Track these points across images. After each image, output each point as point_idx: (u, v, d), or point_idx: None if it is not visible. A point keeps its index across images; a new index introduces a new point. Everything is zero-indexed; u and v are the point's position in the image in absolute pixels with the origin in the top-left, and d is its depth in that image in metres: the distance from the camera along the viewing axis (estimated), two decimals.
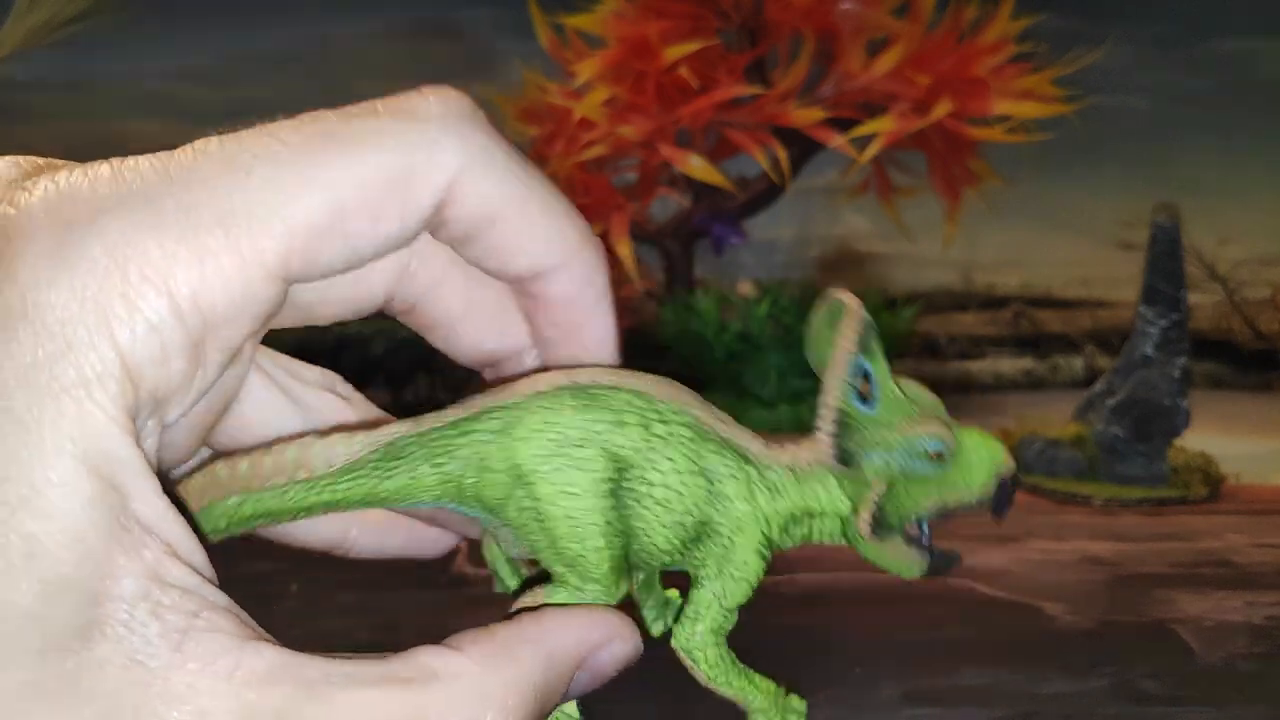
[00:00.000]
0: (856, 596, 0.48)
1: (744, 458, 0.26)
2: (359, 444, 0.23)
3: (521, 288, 0.21)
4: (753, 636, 0.44)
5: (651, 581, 0.30)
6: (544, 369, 0.24)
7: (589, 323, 0.22)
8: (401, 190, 0.18)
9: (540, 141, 1.04)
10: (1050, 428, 0.78)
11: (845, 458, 0.25)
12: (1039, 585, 0.50)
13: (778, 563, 0.55)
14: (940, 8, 0.97)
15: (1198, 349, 1.22)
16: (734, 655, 0.27)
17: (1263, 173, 1.27)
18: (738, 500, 0.26)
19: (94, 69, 1.17)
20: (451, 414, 0.23)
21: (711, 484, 0.26)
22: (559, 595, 0.25)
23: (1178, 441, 0.72)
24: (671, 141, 0.97)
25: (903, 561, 0.26)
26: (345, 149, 0.17)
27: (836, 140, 0.95)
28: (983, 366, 1.30)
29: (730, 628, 0.26)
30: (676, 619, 0.26)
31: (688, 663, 0.26)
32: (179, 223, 0.16)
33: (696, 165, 0.96)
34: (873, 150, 0.94)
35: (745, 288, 1.19)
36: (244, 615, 0.16)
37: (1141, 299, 0.72)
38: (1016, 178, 1.10)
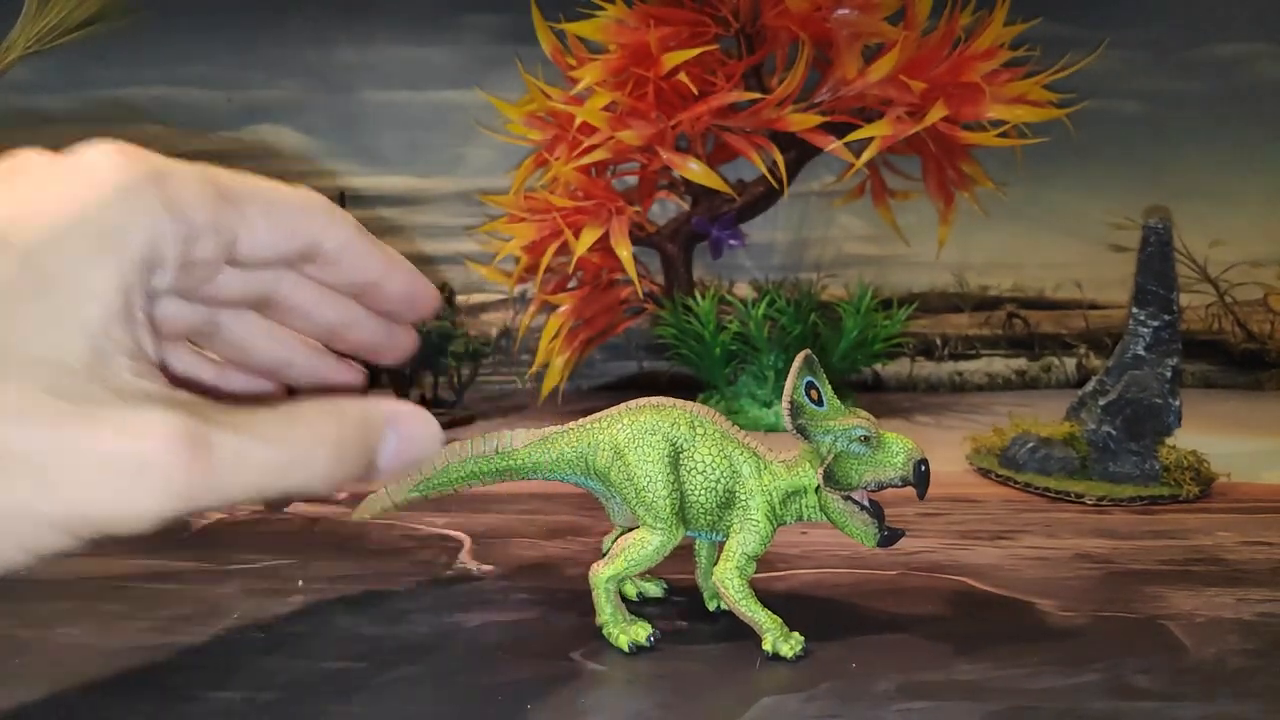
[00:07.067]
0: (853, 593, 0.49)
1: (754, 453, 0.41)
2: (532, 435, 0.41)
3: (361, 295, 0.35)
4: (753, 632, 0.45)
5: (708, 571, 0.43)
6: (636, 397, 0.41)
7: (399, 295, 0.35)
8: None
9: (543, 146, 1.04)
10: (1043, 427, 0.78)
11: (806, 435, 0.40)
12: (1032, 582, 0.51)
13: (776, 560, 0.57)
14: (935, 14, 0.98)
15: (1189, 349, 1.23)
16: (753, 590, 0.40)
17: (1254, 176, 1.27)
18: (750, 478, 0.41)
19: (101, 74, 1.18)
20: (582, 420, 0.41)
21: (733, 466, 0.40)
22: (641, 531, 0.40)
23: (1169, 440, 0.72)
24: (671, 146, 0.97)
25: (860, 529, 0.40)
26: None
27: (833, 145, 0.96)
28: (976, 366, 1.31)
29: (751, 572, 0.40)
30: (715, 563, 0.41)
31: (721, 590, 0.40)
32: None
33: (695, 169, 0.97)
34: (868, 154, 0.94)
35: (743, 289, 1.20)
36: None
37: (1133, 301, 0.72)
38: (1010, 181, 1.11)
